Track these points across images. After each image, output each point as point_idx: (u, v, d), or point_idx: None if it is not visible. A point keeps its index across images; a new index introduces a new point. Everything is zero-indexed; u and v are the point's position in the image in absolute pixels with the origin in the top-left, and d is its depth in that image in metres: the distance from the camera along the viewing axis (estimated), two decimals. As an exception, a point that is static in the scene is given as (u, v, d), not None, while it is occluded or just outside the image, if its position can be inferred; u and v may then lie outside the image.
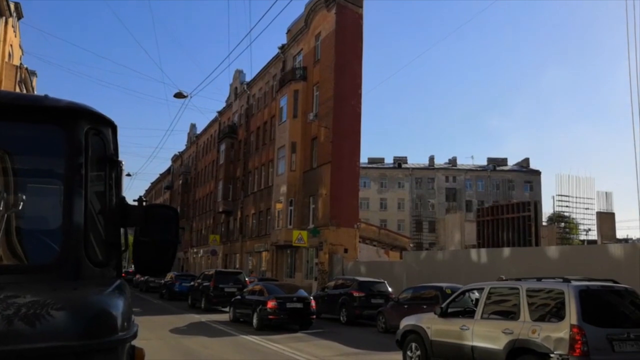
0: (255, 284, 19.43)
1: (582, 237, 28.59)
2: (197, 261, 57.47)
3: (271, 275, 33.86)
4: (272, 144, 38.78)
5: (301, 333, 15.18)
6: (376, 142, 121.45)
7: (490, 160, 76.23)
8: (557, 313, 6.96)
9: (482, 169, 74.40)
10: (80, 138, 2.17)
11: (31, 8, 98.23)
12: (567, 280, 7.26)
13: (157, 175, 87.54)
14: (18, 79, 30.71)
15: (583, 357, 6.44)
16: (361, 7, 32.70)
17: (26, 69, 34.72)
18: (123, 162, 2.95)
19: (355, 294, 18.00)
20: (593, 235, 25.82)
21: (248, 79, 47.47)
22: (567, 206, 24.42)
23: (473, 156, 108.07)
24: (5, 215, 2.25)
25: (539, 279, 7.87)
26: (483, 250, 20.14)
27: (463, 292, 9.24)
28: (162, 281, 30.04)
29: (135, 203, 2.43)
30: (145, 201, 2.46)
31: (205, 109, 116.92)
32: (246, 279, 24.03)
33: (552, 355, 6.67)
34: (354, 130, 31.13)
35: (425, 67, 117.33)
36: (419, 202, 69.05)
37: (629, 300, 7.41)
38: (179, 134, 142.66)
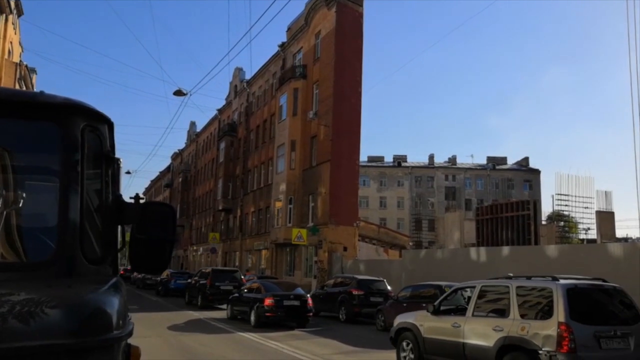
0: (252, 281, 19.51)
1: (582, 236, 28.61)
2: (197, 259, 57.49)
3: (270, 273, 33.86)
4: (271, 142, 38.77)
5: (300, 331, 15.20)
6: (376, 141, 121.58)
7: (489, 159, 76.25)
8: (545, 311, 7.08)
9: (482, 167, 74.42)
10: (76, 135, 2.16)
11: (31, 5, 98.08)
12: (555, 279, 7.35)
13: (157, 173, 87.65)
14: (18, 76, 30.67)
15: (570, 354, 6.55)
16: (361, 5, 32.67)
17: (26, 66, 34.68)
18: (121, 160, 2.94)
19: (355, 292, 18.01)
20: (592, 234, 25.85)
21: (248, 77, 47.45)
22: (566, 205, 24.41)
23: (473, 155, 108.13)
24: (4, 213, 2.24)
25: (528, 278, 7.99)
26: (482, 249, 20.15)
27: (455, 290, 9.36)
28: (158, 278, 30.55)
29: (132, 200, 2.41)
30: (142, 198, 2.44)
31: (205, 107, 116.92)
32: (242, 277, 24.22)
33: (540, 352, 6.78)
34: (353, 128, 31.13)
35: (425, 66, 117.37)
36: (418, 200, 69.05)
37: (617, 299, 7.54)
38: (179, 132, 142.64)
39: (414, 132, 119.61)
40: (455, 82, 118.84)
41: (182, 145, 73.27)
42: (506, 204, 23.23)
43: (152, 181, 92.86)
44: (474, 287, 8.53)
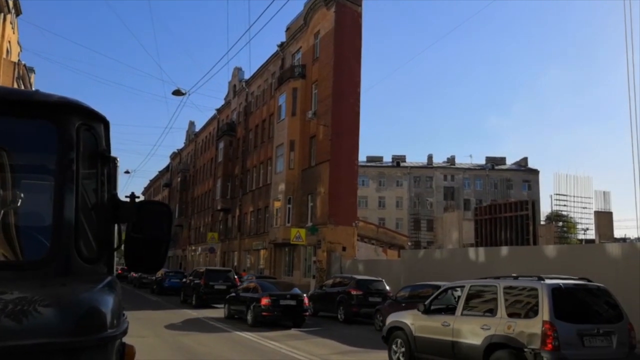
0: (249, 281, 19.60)
1: (580, 236, 28.60)
2: (196, 259, 57.46)
3: (269, 273, 33.85)
4: (270, 142, 38.76)
5: (298, 331, 15.21)
6: (375, 141, 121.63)
7: (488, 159, 76.29)
8: (531, 310, 7.23)
9: (481, 167, 74.46)
10: (72, 133, 2.15)
11: (30, 5, 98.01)
12: (541, 279, 7.51)
13: (156, 173, 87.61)
14: (16, 75, 30.65)
15: (554, 352, 6.73)
16: (360, 5, 32.67)
17: (24, 65, 34.65)
18: (118, 159, 2.93)
19: (353, 292, 18.01)
20: (591, 234, 25.84)
21: (247, 76, 47.43)
22: (565, 205, 24.43)
23: (471, 155, 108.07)
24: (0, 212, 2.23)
25: (515, 277, 8.14)
26: (481, 249, 20.15)
27: (445, 290, 9.52)
28: (153, 277, 31.53)
29: (128, 199, 2.40)
30: (138, 197, 2.43)
31: (203, 107, 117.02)
32: (235, 277, 24.68)
33: (525, 349, 6.96)
34: (352, 128, 31.13)
35: (424, 66, 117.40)
36: (417, 200, 69.08)
37: (601, 298, 7.73)
38: (178, 132, 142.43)
39: (412, 132, 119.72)
40: (454, 82, 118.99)
41: (181, 145, 73.33)
42: (505, 204, 23.23)
43: (151, 181, 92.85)
44: (463, 286, 8.70)
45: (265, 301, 15.73)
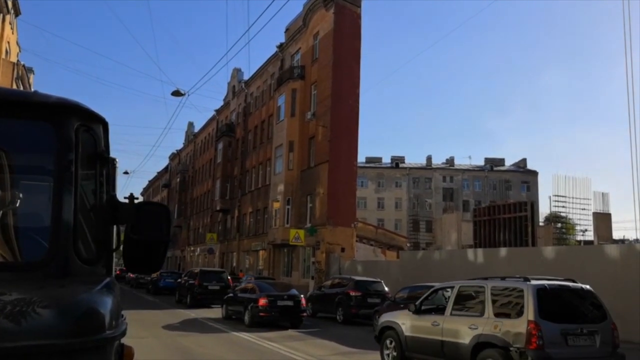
0: (247, 281, 19.61)
1: (579, 238, 28.57)
2: (194, 259, 57.39)
3: (268, 274, 33.83)
4: (269, 142, 38.75)
5: (297, 332, 15.19)
6: (374, 142, 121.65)
7: (487, 160, 76.32)
8: (517, 310, 7.41)
9: (480, 169, 74.49)
10: (70, 134, 2.15)
11: (29, 5, 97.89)
12: (527, 280, 7.69)
13: (155, 174, 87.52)
14: (15, 76, 30.62)
15: (538, 350, 6.92)
16: (359, 6, 32.69)
17: (23, 66, 34.63)
18: (117, 160, 2.93)
19: (352, 293, 18.00)
20: (589, 235, 25.82)
21: (246, 77, 47.43)
22: (563, 206, 24.41)
23: (470, 156, 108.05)
24: None
25: (502, 278, 8.32)
26: (480, 250, 20.16)
27: (436, 290, 9.69)
28: (149, 278, 32.71)
29: (127, 200, 2.40)
30: (136, 198, 2.43)
31: (203, 108, 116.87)
32: (229, 277, 25.31)
33: (511, 348, 7.13)
34: (351, 129, 31.14)
35: (423, 68, 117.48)
36: (416, 201, 69.06)
37: (585, 298, 7.92)
38: (177, 132, 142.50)
39: (411, 133, 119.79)
40: (453, 83, 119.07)
41: (180, 146, 73.28)
42: (504, 206, 23.23)
43: (150, 181, 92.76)
44: (453, 287, 8.88)
45: (262, 302, 15.78)
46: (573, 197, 24.13)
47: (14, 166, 2.35)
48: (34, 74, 44.09)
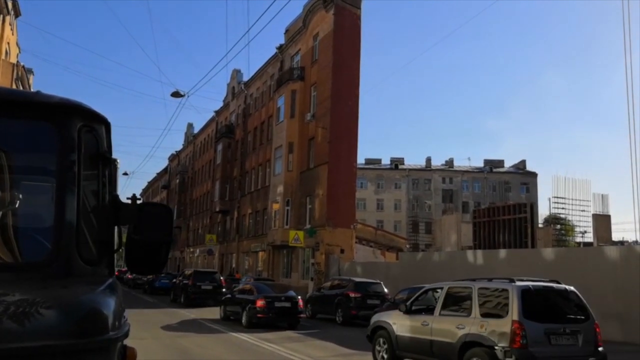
0: (245, 283, 19.86)
1: (578, 239, 28.62)
2: (194, 260, 57.35)
3: (268, 275, 33.83)
4: (269, 144, 38.75)
5: (297, 333, 15.18)
6: (373, 143, 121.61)
7: (486, 161, 76.36)
8: (502, 310, 7.64)
9: (479, 170, 74.54)
10: (73, 135, 2.14)
11: (29, 6, 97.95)
12: (512, 281, 7.91)
13: (154, 175, 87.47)
14: (15, 76, 30.61)
15: (522, 349, 7.15)
16: (359, 8, 32.72)
17: (23, 66, 34.62)
18: (118, 161, 2.93)
19: (352, 295, 17.98)
20: (589, 237, 25.84)
21: (246, 78, 47.43)
22: (563, 208, 24.46)
23: (470, 158, 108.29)
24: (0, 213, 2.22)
25: (489, 279, 8.56)
26: (479, 252, 20.17)
27: (426, 291, 9.81)
28: (145, 278, 33.82)
29: (129, 201, 2.40)
30: (139, 199, 2.43)
31: (202, 109, 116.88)
32: (221, 278, 26.51)
33: (496, 347, 7.34)
34: (351, 130, 31.14)
35: (423, 69, 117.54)
36: (415, 203, 69.10)
37: (569, 299, 8.13)
38: (176, 133, 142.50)
39: (411, 135, 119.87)
40: (453, 84, 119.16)
41: (179, 147, 73.25)
42: (503, 207, 23.23)
43: (149, 182, 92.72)
44: (442, 288, 9.08)
45: (260, 303, 15.95)
46: (572, 199, 24.17)
47: (16, 166, 2.34)
48: (33, 74, 44.09)
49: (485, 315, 7.83)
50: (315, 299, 20.23)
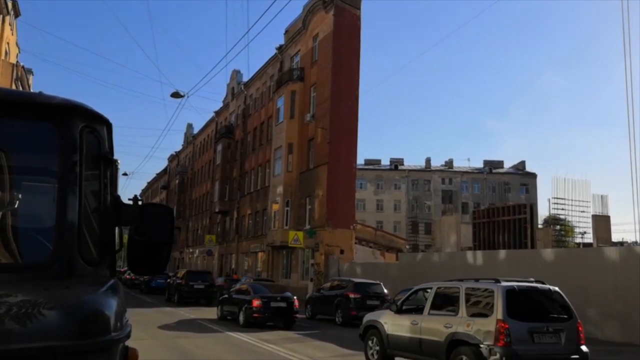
0: (241, 283, 20.30)
1: (578, 240, 28.61)
2: (193, 261, 57.34)
3: (267, 275, 33.82)
4: (268, 144, 38.75)
5: (296, 334, 15.19)
6: (373, 144, 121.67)
7: (486, 162, 76.35)
8: (487, 309, 7.90)
9: (479, 171, 74.54)
10: (75, 136, 2.14)
11: (29, 6, 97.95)
12: (497, 281, 8.16)
13: (154, 175, 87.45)
14: (14, 76, 30.60)
15: (506, 347, 7.39)
16: (359, 8, 32.73)
17: (22, 66, 34.61)
18: (118, 161, 2.93)
19: (351, 295, 17.98)
20: (589, 238, 25.84)
21: (245, 79, 47.46)
22: (562, 209, 24.43)
23: (469, 158, 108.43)
24: (1, 214, 2.22)
25: (476, 280, 8.82)
26: (479, 253, 20.17)
27: (416, 291, 10.02)
28: (142, 278, 35.04)
29: (130, 202, 2.40)
30: (140, 200, 2.42)
31: (202, 109, 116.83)
32: (213, 278, 27.79)
33: (481, 346, 7.59)
34: (350, 131, 31.14)
35: (423, 70, 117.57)
36: (415, 203, 69.09)
37: (552, 299, 8.36)
38: (176, 134, 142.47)
39: (410, 135, 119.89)
40: (452, 85, 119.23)
41: (179, 147, 73.24)
42: (503, 208, 23.23)
43: (148, 183, 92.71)
44: (431, 288, 9.34)
45: (256, 303, 16.30)
46: (572, 200, 24.15)
47: (18, 167, 2.34)
48: (33, 75, 44.07)
49: (471, 314, 8.07)
50: (315, 300, 20.23)
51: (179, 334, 14.17)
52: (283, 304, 16.67)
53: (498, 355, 7.36)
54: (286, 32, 38.84)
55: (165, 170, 79.60)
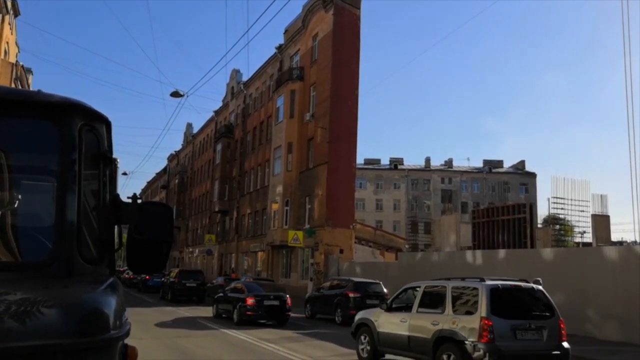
0: (237, 282, 20.78)
1: (577, 240, 28.60)
2: (193, 260, 57.34)
3: (267, 275, 33.82)
4: (268, 144, 38.75)
5: (296, 333, 15.21)
6: (372, 143, 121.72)
7: (486, 162, 76.36)
8: (472, 307, 8.17)
9: (478, 170, 74.54)
10: (74, 134, 2.14)
11: (28, 6, 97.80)
12: (482, 280, 8.43)
13: (154, 175, 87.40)
14: (14, 76, 30.60)
15: (489, 344, 7.66)
16: (359, 8, 32.71)
17: (22, 66, 34.60)
18: (118, 160, 2.93)
19: (351, 295, 17.99)
20: (588, 237, 25.81)
21: (245, 78, 47.43)
22: (562, 208, 24.41)
23: (469, 158, 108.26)
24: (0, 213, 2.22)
25: (462, 279, 9.05)
26: (478, 252, 20.16)
27: (405, 290, 10.23)
28: (140, 277, 36.04)
29: (130, 200, 2.40)
30: (140, 199, 2.42)
31: (201, 109, 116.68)
32: (204, 276, 29.26)
33: (466, 342, 7.84)
34: (350, 131, 31.14)
35: (422, 69, 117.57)
36: (414, 203, 69.06)
37: (536, 297, 8.63)
38: (176, 133, 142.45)
39: (410, 135, 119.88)
40: (452, 85, 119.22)
41: (178, 147, 73.21)
42: (502, 207, 23.21)
43: (148, 182, 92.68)
44: (420, 286, 9.61)
45: (250, 301, 16.80)
46: (572, 199, 24.13)
47: (17, 166, 2.34)
48: (32, 74, 44.03)
49: (457, 312, 8.34)
50: (315, 299, 20.23)
51: (177, 332, 14.24)
52: (276, 302, 17.13)
53: (481, 352, 7.62)
54: (286, 31, 38.82)
55: (164, 170, 79.57)
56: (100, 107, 2.36)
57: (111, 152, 2.38)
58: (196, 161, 62.43)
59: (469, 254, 20.28)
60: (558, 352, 8.16)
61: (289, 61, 37.94)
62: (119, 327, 1.88)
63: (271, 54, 40.66)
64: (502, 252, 18.83)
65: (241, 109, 47.64)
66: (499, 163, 76.85)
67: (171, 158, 75.60)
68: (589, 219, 24.06)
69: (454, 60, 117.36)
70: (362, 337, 10.49)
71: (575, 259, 15.72)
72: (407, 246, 36.44)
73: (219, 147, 49.25)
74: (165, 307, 22.18)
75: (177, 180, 67.72)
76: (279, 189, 34.55)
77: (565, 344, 8.32)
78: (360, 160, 62.67)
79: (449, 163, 76.30)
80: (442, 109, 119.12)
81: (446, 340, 8.23)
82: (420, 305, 9.16)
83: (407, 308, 9.60)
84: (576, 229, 27.01)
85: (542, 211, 42.57)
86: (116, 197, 2.36)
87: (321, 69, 32.43)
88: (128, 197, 2.42)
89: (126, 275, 41.13)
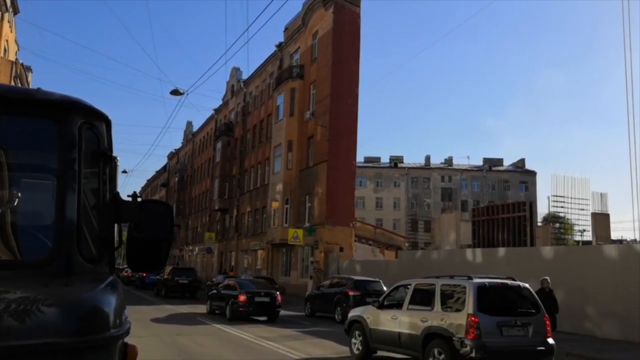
0: (229, 279, 21.25)
1: (577, 238, 28.67)
2: (193, 259, 57.36)
3: (267, 273, 33.83)
4: (268, 142, 38.74)
5: (296, 331, 15.22)
6: (372, 141, 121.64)
7: (486, 160, 76.32)
8: (460, 304, 8.37)
9: (478, 169, 74.51)
10: (74, 132, 2.13)
11: (28, 4, 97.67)
12: (470, 278, 8.64)
13: (153, 173, 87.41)
14: (13, 74, 30.58)
15: (476, 340, 7.86)
16: (359, 6, 32.69)
17: (21, 64, 34.59)
18: (118, 158, 2.92)
19: (351, 293, 18.00)
20: (588, 236, 25.87)
21: (245, 76, 47.41)
22: (562, 207, 24.48)
23: (469, 156, 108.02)
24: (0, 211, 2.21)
25: (451, 277, 9.27)
26: (478, 250, 20.17)
27: (397, 287, 10.43)
28: (137, 275, 36.85)
29: (130, 199, 2.39)
30: (140, 197, 2.41)
31: (201, 107, 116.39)
32: (196, 273, 30.56)
33: (454, 338, 8.06)
34: (350, 129, 31.13)
35: (422, 68, 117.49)
36: (414, 201, 69.10)
37: (522, 295, 8.86)
38: (176, 132, 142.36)
39: (410, 133, 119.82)
40: (452, 83, 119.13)
41: (178, 145, 73.18)
42: (502, 206, 23.25)
43: (148, 180, 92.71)
44: (410, 284, 9.82)
45: (242, 298, 17.38)
46: (571, 198, 24.19)
47: (17, 164, 2.33)
48: (32, 72, 44.00)
49: (445, 309, 8.58)
50: (315, 297, 20.24)
51: (176, 329, 14.34)
52: (267, 299, 17.71)
53: (468, 347, 7.84)
54: (286, 29, 38.79)
55: (164, 168, 79.56)
56: (99, 105, 2.36)
57: (111, 150, 2.37)
58: (196, 159, 62.42)
59: (469, 252, 20.29)
60: (543, 348, 8.36)
61: (289, 59, 37.92)
62: (118, 325, 1.88)
63: (271, 52, 40.66)
64: (502, 250, 18.84)
65: (241, 107, 47.62)
66: (499, 161, 76.82)
67: (171, 156, 75.59)
68: (589, 217, 24.12)
69: (454, 59, 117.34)
70: (355, 334, 10.70)
71: (575, 257, 15.73)
72: (407, 244, 36.50)
73: (219, 145, 49.24)
74: (162, 305, 22.45)
75: (177, 179, 67.73)
76: (279, 187, 34.55)
77: (550, 340, 8.52)
78: (360, 158, 62.72)
79: (448, 161, 76.27)
80: (441, 107, 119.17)
81: (435, 336, 8.45)
82: (410, 303, 9.37)
83: (398, 305, 9.81)
84: (576, 227, 27.07)
85: (542, 209, 42.62)
86: (116, 195, 2.36)
87: (321, 67, 32.40)
88: (128, 196, 2.41)
89: (125, 273, 41.45)
